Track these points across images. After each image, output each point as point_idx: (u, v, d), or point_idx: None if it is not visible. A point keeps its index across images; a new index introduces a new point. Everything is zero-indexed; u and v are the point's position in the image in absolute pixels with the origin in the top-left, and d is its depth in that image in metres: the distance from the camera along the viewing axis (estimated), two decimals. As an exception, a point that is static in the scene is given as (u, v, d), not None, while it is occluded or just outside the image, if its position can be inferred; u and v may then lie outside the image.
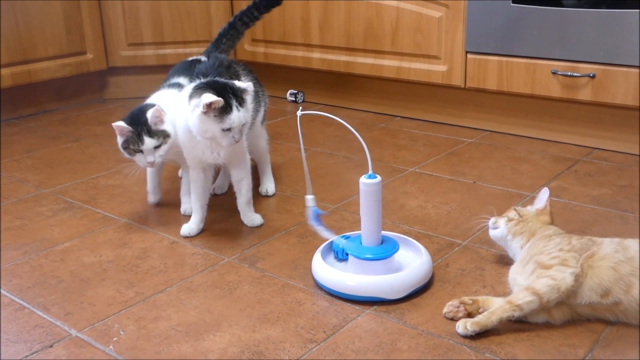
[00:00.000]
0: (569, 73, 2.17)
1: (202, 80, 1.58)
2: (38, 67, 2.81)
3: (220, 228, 1.74)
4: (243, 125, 1.55)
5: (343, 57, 2.74)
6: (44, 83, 2.88)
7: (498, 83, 2.35)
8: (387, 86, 2.73)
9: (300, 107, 1.50)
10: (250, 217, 1.75)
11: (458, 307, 1.29)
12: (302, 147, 1.42)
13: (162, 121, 1.65)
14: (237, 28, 2.07)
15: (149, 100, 1.74)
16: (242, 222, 1.75)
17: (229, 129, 1.51)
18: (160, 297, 1.40)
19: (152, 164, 1.66)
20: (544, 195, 1.49)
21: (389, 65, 2.61)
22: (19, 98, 2.86)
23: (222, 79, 1.59)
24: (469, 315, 1.28)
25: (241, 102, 1.53)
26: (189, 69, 1.88)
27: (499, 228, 1.47)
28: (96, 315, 1.34)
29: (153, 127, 1.64)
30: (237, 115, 1.51)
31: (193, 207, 1.71)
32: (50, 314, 1.35)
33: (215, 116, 1.49)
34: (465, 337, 1.23)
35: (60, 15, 2.86)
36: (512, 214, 1.48)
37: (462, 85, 2.45)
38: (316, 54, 2.82)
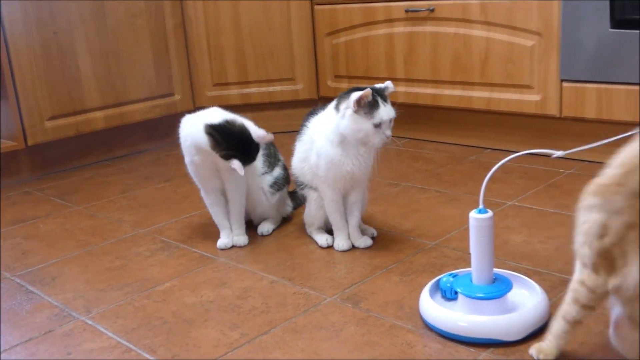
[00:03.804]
0: (677, 98, 2.06)
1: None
2: (130, 110, 2.89)
3: (317, 266, 1.70)
4: (391, 121, 1.63)
5: (429, 90, 2.70)
6: (135, 125, 2.96)
7: (597, 111, 2.25)
8: (475, 118, 2.67)
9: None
10: (362, 239, 1.80)
11: None
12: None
13: None
14: None
15: None
16: (335, 260, 1.72)
17: (379, 125, 1.59)
18: (265, 339, 1.37)
19: None
20: None
21: (478, 96, 2.55)
22: (112, 140, 2.95)
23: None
24: None
25: (385, 98, 1.62)
26: None
27: None
28: (203, 358, 1.31)
29: None
30: (385, 110, 1.60)
31: (339, 225, 1.79)
32: (158, 356, 1.33)
33: (365, 113, 1.59)
34: None
35: (150, 59, 2.94)
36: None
37: (558, 115, 2.36)
38: (401, 88, 2.79)
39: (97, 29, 2.75)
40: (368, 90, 1.57)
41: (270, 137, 1.73)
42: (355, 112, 1.59)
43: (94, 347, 1.38)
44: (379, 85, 1.65)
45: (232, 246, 1.86)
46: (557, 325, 1.18)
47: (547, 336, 1.20)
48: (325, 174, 1.72)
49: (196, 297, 1.58)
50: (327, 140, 1.69)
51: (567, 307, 1.15)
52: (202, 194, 1.89)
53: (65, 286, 1.68)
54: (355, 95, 1.57)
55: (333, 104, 1.70)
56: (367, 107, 1.58)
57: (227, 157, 1.68)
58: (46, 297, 1.63)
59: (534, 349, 1.21)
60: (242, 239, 1.87)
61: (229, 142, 1.68)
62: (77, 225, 2.13)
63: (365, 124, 1.60)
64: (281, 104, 3.15)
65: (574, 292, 1.13)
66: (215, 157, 1.71)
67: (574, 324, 1.16)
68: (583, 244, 1.09)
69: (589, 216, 1.07)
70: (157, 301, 1.57)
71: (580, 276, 1.12)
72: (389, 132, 1.62)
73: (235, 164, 1.66)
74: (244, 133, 1.71)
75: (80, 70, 2.72)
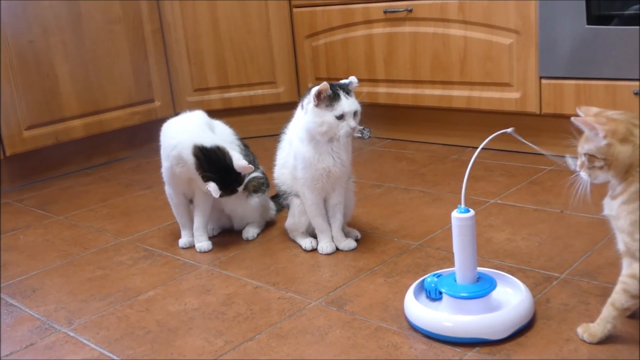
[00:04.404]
0: (654, 92, 2.07)
1: None
2: (109, 117, 2.87)
3: (301, 270, 1.69)
4: (355, 114, 1.64)
5: (410, 90, 2.70)
6: (114, 132, 2.93)
7: (576, 107, 2.25)
8: (456, 117, 2.67)
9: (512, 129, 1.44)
10: (345, 242, 1.79)
11: None
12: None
13: None
14: None
15: None
16: (319, 263, 1.71)
17: (341, 117, 1.61)
18: (250, 345, 1.36)
19: None
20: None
21: (458, 95, 2.56)
22: (91, 148, 2.92)
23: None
24: None
25: (348, 92, 1.64)
26: None
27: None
28: (187, 366, 1.30)
29: None
30: (347, 102, 1.62)
31: (322, 228, 1.78)
32: (142, 366, 1.32)
33: (326, 106, 1.61)
34: None
35: (129, 66, 2.91)
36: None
37: (538, 112, 2.37)
38: (382, 89, 2.79)
39: (74, 37, 2.72)
40: (325, 84, 1.60)
41: (250, 167, 1.75)
42: (317, 105, 1.62)
43: (77, 359, 1.36)
44: (343, 81, 1.67)
45: (193, 245, 1.89)
46: (606, 311, 1.23)
47: (597, 320, 1.24)
48: (303, 174, 1.72)
49: (180, 305, 1.56)
50: (299, 139, 1.71)
51: (617, 296, 1.20)
52: (168, 191, 1.89)
53: (46, 298, 1.66)
54: (315, 89, 1.60)
55: (300, 103, 1.72)
56: (328, 100, 1.61)
57: (206, 179, 1.71)
58: (27, 310, 1.60)
59: (580, 328, 1.26)
60: (205, 244, 1.86)
61: (213, 169, 1.71)
62: (58, 235, 2.11)
63: (327, 116, 1.62)
64: (262, 107, 3.13)
65: (623, 284, 1.20)
66: (195, 175, 1.74)
67: (622, 311, 1.21)
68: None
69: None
70: (140, 310, 1.55)
71: (631, 270, 1.19)
72: (353, 123, 1.64)
73: (212, 186, 1.69)
74: (229, 164, 1.72)
75: (58, 78, 2.69)
